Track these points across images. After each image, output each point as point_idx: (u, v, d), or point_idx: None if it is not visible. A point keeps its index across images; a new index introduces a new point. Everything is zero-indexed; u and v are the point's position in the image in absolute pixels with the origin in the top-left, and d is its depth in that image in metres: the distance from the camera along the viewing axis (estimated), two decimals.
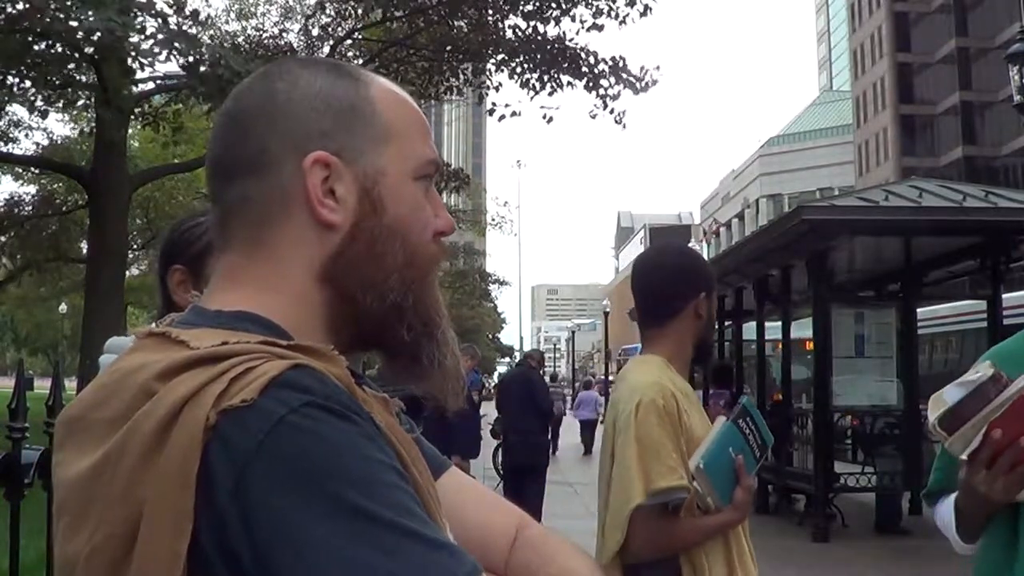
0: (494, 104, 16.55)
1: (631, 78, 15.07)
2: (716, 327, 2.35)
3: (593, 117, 15.59)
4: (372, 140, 0.92)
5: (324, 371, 0.81)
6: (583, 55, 15.27)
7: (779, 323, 12.04)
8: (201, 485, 0.74)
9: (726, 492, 2.25)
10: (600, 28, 14.96)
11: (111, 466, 0.78)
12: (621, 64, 15.12)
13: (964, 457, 1.73)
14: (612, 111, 15.44)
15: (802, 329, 12.44)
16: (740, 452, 2.25)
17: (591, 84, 15.22)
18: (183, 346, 0.83)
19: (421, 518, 0.77)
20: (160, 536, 0.74)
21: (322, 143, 0.90)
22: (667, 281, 2.43)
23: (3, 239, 23.94)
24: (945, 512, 1.98)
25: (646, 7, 14.87)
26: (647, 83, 15.13)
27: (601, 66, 15.13)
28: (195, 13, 11.18)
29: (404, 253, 0.92)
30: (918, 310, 11.39)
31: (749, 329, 14.04)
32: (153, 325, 0.91)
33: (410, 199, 0.93)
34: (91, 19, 9.10)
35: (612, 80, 15.19)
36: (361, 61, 16.26)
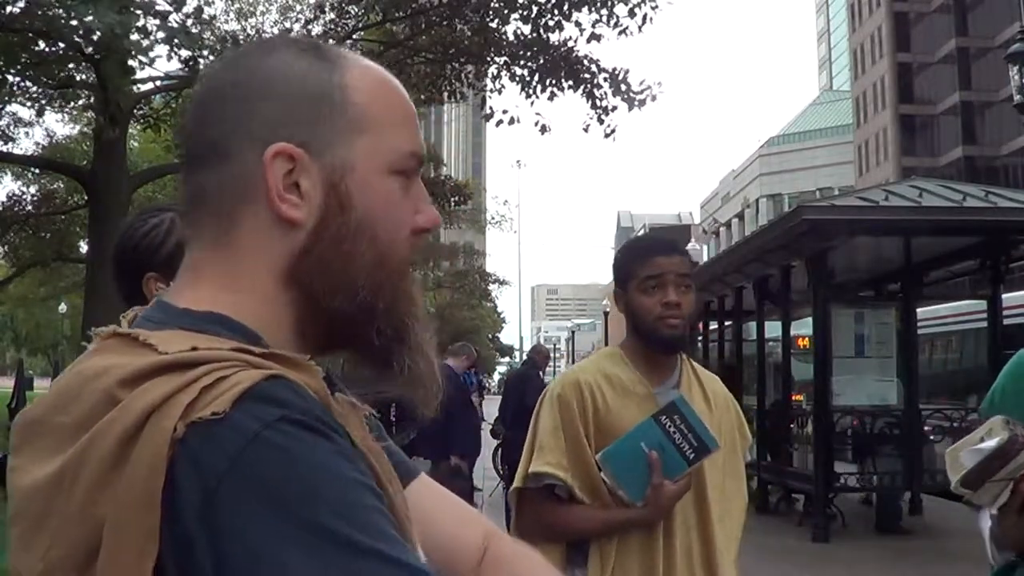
0: (491, 108, 16.51)
1: (630, 93, 15.03)
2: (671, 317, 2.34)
3: (586, 129, 15.54)
4: (342, 131, 0.85)
5: (300, 383, 0.76)
6: (585, 62, 15.24)
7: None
8: (166, 503, 0.69)
9: (639, 488, 2.20)
10: (599, 38, 14.92)
11: (70, 479, 0.72)
12: (622, 76, 15.09)
13: (994, 511, 1.86)
14: (603, 123, 15.37)
15: (803, 329, 12.43)
16: (658, 449, 2.19)
17: (587, 92, 15.18)
18: (151, 350, 0.77)
19: (397, 542, 0.73)
20: (123, 558, 0.69)
21: (287, 133, 0.83)
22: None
23: (5, 237, 23.92)
24: (984, 526, 2.05)
25: (645, 17, 14.83)
26: (644, 99, 15.07)
27: (602, 75, 15.08)
28: (199, 10, 11.10)
29: (373, 252, 0.85)
30: (918, 310, 11.38)
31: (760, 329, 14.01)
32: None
33: (382, 195, 0.86)
34: (91, 19, 9.09)
35: (610, 92, 15.14)
36: None
